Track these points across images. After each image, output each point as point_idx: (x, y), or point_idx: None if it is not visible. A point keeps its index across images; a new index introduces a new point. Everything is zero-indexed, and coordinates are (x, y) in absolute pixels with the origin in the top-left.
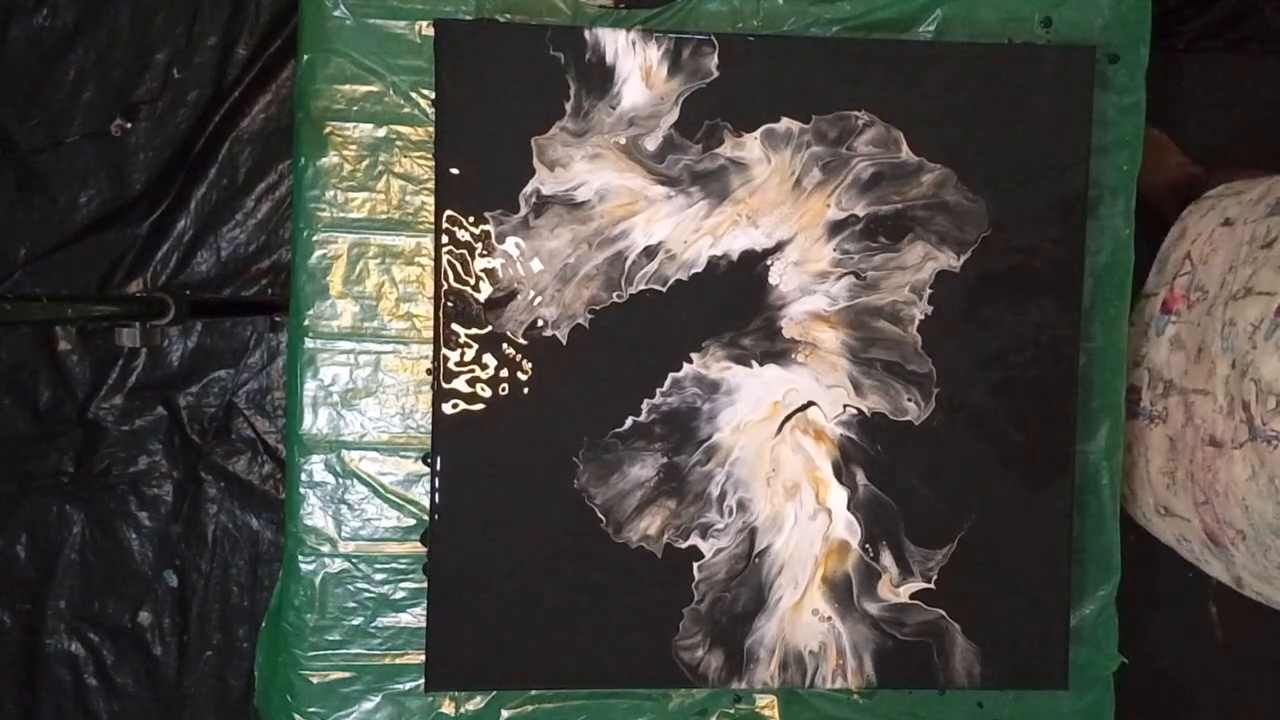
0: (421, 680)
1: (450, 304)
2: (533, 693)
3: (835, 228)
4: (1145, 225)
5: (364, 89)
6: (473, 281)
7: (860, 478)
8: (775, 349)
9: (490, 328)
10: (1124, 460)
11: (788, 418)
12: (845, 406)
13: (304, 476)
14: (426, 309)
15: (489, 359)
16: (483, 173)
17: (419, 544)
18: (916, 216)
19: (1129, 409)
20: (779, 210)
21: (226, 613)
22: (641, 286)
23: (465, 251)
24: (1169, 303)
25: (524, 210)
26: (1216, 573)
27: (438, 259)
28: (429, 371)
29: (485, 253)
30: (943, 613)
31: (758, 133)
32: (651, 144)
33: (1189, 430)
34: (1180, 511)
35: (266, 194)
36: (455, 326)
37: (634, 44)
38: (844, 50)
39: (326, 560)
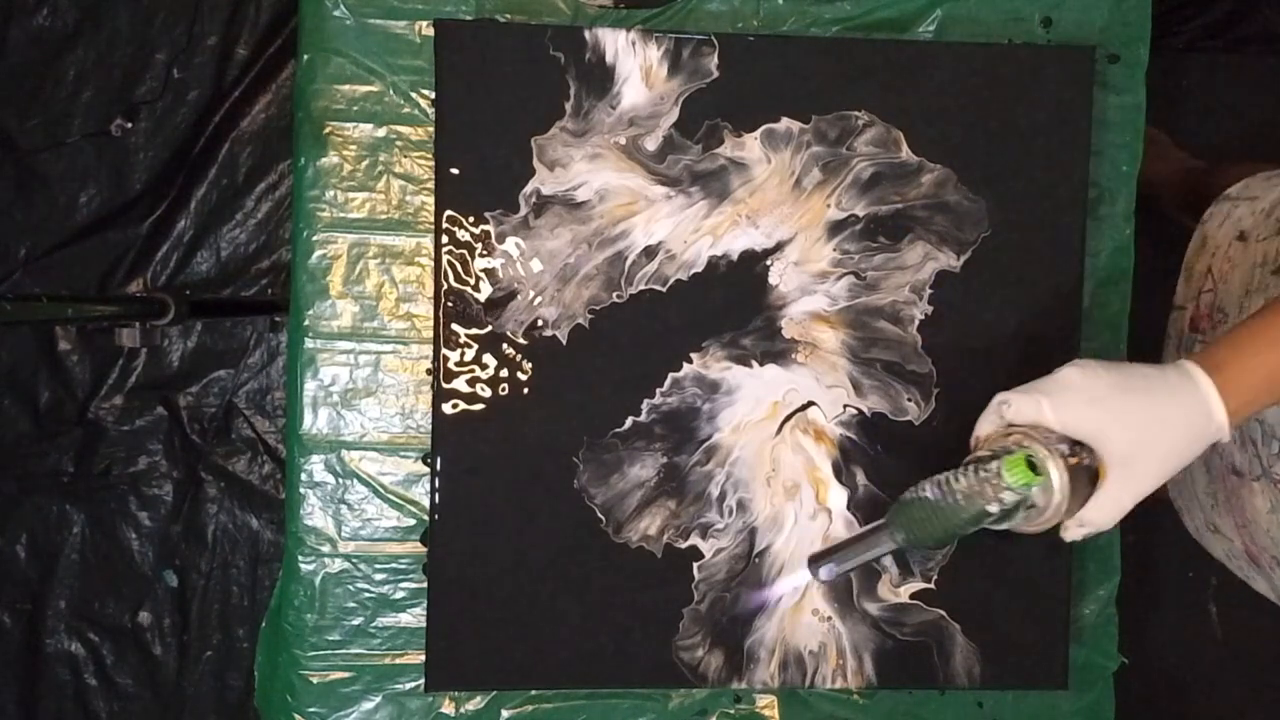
0: (421, 680)
1: (450, 304)
2: (533, 693)
3: (835, 228)
4: (1148, 221)
5: (364, 89)
6: (473, 281)
7: (860, 478)
8: (775, 349)
9: (490, 328)
10: (1176, 476)
11: (788, 418)
12: (845, 406)
13: (304, 476)
14: (426, 309)
15: (489, 359)
16: (483, 173)
17: (419, 544)
18: (916, 216)
19: None
20: (779, 210)
21: (226, 613)
22: (641, 286)
23: (465, 251)
24: (1196, 320)
25: (524, 210)
26: (1263, 590)
27: (438, 259)
28: (429, 371)
29: (485, 253)
30: (943, 613)
31: (758, 133)
32: (651, 144)
33: (1216, 457)
34: (1226, 532)
35: (266, 194)
36: (455, 326)
37: (634, 44)
38: (844, 50)
39: (326, 560)
